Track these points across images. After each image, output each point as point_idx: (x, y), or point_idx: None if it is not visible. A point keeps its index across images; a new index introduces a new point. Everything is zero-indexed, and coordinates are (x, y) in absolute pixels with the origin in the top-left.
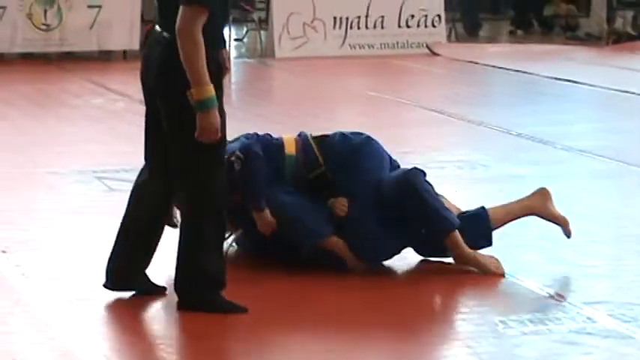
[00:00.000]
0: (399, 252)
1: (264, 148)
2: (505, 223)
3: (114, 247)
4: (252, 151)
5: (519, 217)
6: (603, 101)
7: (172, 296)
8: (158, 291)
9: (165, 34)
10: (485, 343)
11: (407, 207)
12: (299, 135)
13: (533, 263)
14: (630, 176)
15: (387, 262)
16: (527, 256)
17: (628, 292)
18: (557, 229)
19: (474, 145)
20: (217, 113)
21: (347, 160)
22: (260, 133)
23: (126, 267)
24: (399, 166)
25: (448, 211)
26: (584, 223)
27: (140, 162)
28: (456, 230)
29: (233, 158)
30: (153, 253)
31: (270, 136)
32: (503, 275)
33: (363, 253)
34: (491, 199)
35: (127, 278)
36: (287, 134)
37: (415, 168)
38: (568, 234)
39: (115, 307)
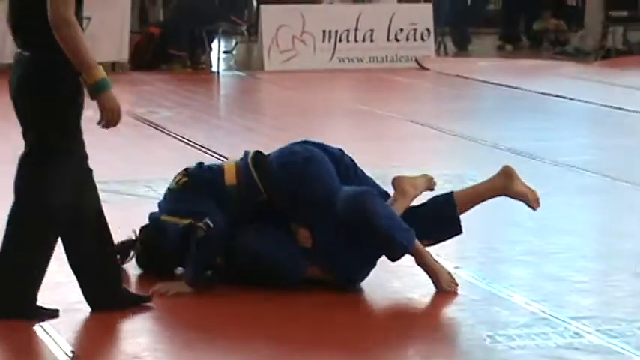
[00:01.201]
0: (374, 264)
1: (206, 181)
2: (473, 206)
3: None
4: (220, 229)
5: (487, 199)
6: (592, 117)
7: (163, 308)
8: (142, 301)
9: (25, 52)
10: (472, 357)
11: (360, 232)
12: (241, 159)
13: (521, 278)
14: (618, 192)
15: (371, 276)
16: (515, 271)
17: (615, 308)
18: (547, 243)
19: (462, 160)
20: (113, 94)
21: (292, 192)
22: (205, 163)
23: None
24: (360, 172)
25: (402, 230)
26: (571, 238)
27: (129, 173)
28: (413, 244)
29: (201, 224)
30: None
31: (214, 166)
32: (455, 292)
33: (340, 278)
34: (480, 213)
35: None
36: (229, 162)
37: (364, 192)
38: (533, 207)
39: (110, 315)
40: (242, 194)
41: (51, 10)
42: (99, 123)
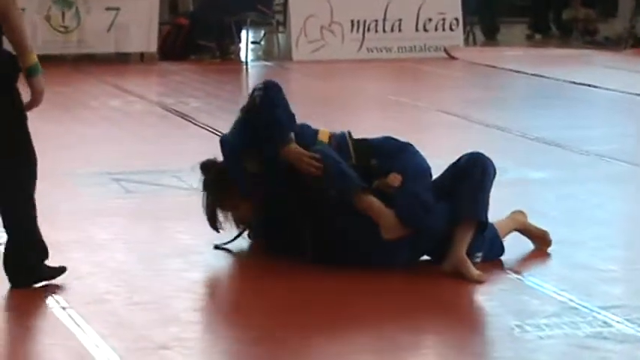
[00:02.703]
0: (437, 240)
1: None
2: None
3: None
4: (272, 82)
5: (511, 231)
6: (622, 105)
7: (189, 300)
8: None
9: None
10: (501, 347)
11: (465, 177)
12: (336, 132)
13: (550, 267)
14: None
15: (397, 266)
16: (544, 260)
17: None
18: (576, 232)
19: (491, 149)
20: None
21: (394, 154)
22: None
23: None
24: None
25: (487, 208)
26: (601, 227)
27: (158, 163)
28: (478, 225)
29: (255, 93)
30: None
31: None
32: (482, 282)
33: (410, 218)
34: (509, 202)
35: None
36: (323, 128)
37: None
38: (548, 244)
39: (132, 309)
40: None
41: None
42: (28, 104)
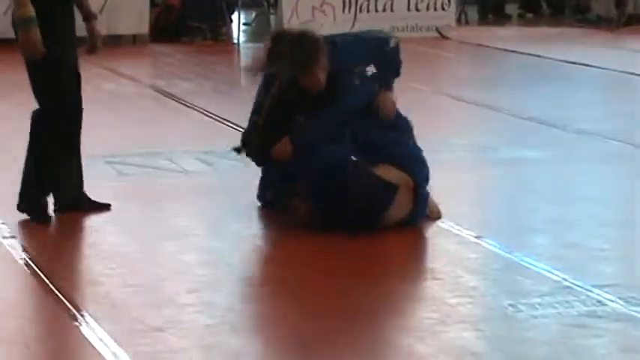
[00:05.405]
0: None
1: None
2: None
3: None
4: None
5: None
6: (614, 84)
7: (183, 282)
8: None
9: None
10: (494, 326)
11: None
12: None
13: (543, 246)
14: None
15: (394, 248)
16: (538, 240)
17: (638, 276)
18: (570, 211)
19: (483, 128)
20: (37, 31)
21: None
22: None
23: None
24: None
25: None
26: (594, 206)
27: (150, 146)
28: None
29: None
30: None
31: None
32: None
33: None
34: (501, 182)
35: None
36: None
37: None
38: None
39: (126, 291)
40: None
41: None
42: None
